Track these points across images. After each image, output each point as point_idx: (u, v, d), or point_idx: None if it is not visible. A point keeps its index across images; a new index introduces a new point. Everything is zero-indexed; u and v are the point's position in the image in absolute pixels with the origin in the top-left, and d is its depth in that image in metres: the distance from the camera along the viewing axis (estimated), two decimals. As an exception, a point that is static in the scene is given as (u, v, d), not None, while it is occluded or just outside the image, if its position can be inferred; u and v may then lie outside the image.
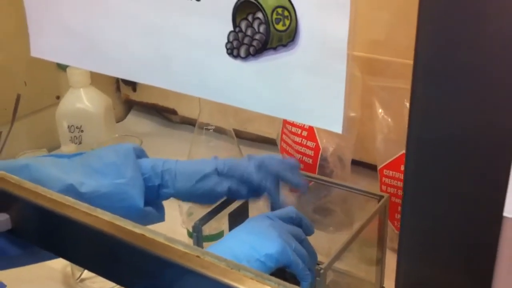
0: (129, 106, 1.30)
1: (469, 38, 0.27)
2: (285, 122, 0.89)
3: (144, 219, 0.64)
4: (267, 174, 0.66)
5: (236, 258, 0.52)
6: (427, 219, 0.29)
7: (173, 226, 0.89)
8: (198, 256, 0.42)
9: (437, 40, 0.28)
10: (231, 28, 0.44)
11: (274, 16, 0.41)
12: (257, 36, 0.42)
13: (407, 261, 0.31)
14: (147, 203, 0.65)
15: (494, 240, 0.27)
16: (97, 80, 1.04)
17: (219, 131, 0.91)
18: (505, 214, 0.26)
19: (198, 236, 0.64)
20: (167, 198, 0.68)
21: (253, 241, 0.54)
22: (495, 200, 0.26)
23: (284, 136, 0.90)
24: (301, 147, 0.85)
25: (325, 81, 0.40)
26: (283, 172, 0.67)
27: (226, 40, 0.44)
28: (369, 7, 0.85)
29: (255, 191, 0.67)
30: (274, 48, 0.42)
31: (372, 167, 0.89)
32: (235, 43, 0.43)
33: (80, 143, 1.01)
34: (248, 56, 0.43)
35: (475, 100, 0.27)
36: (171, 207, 0.73)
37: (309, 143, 0.85)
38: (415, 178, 0.29)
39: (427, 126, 0.29)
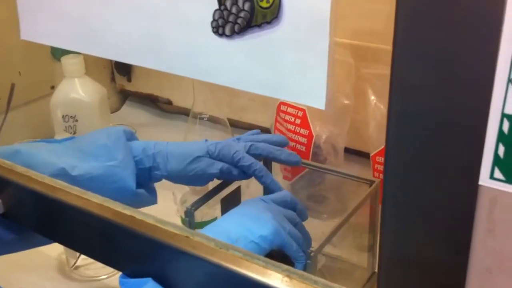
0: (124, 96, 1.30)
1: (442, 19, 0.28)
2: (278, 110, 0.89)
3: (137, 201, 0.65)
4: (257, 156, 0.67)
5: (230, 239, 0.52)
6: (406, 193, 0.30)
7: (168, 216, 0.89)
8: (187, 237, 0.43)
9: (413, 22, 0.29)
10: (217, 7, 0.44)
11: None
12: (241, 14, 0.42)
13: (389, 235, 0.32)
14: (139, 185, 0.65)
15: (470, 209, 0.27)
16: (92, 70, 1.04)
17: (213, 120, 0.91)
18: (480, 182, 0.26)
19: (190, 221, 0.65)
20: (159, 180, 0.68)
21: (247, 223, 0.55)
22: (471, 170, 0.27)
23: (277, 124, 0.90)
24: (294, 134, 0.86)
25: (308, 58, 0.41)
26: (273, 153, 0.68)
27: (211, 19, 0.45)
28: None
29: (246, 172, 0.67)
30: (259, 26, 0.42)
31: (365, 155, 0.89)
32: (220, 21, 0.44)
33: (74, 133, 1.01)
34: (233, 34, 0.44)
35: (449, 76, 0.28)
36: (166, 196, 0.74)
37: (302, 131, 0.85)
38: (394, 152, 0.30)
39: (405, 102, 0.30)
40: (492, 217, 0.27)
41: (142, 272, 0.45)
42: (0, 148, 0.63)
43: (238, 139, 0.69)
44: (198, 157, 0.66)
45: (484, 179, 0.26)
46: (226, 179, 0.69)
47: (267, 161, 0.74)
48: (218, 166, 0.66)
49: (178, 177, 0.67)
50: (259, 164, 0.67)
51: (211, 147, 0.66)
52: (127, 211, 0.46)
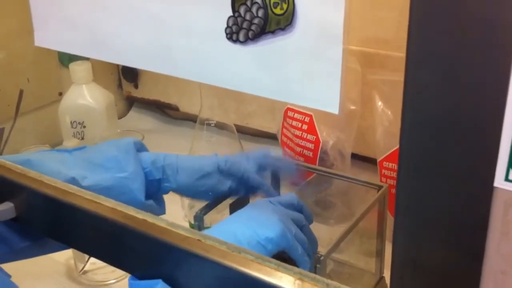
0: (131, 102, 1.31)
1: (455, 26, 0.28)
2: (285, 115, 0.90)
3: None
4: (267, 174, 0.68)
5: (237, 240, 0.53)
6: (420, 196, 0.30)
7: (176, 220, 0.90)
8: (199, 240, 0.43)
9: (426, 29, 0.30)
10: (231, 13, 0.45)
11: (272, 0, 0.42)
12: (255, 21, 0.43)
13: (402, 239, 0.32)
14: (148, 196, 0.66)
15: (485, 211, 0.27)
16: (99, 76, 1.05)
17: (220, 126, 0.92)
18: (495, 184, 0.26)
19: (199, 225, 0.65)
20: (167, 192, 0.69)
21: (254, 224, 0.55)
22: (486, 172, 0.27)
23: (284, 129, 0.91)
24: (301, 140, 0.86)
25: (322, 64, 0.41)
26: (280, 174, 0.69)
27: (225, 25, 0.45)
28: (374, 7, 0.86)
29: (254, 189, 0.68)
30: (273, 32, 0.43)
31: (372, 161, 0.90)
32: (234, 27, 0.44)
33: (82, 138, 1.02)
34: (247, 40, 0.44)
35: (464, 80, 0.28)
36: (173, 201, 0.74)
37: (309, 137, 0.85)
38: (407, 157, 0.30)
39: (418, 107, 0.30)
40: (507, 219, 0.27)
41: (152, 274, 0.45)
42: (11, 157, 0.63)
43: (248, 157, 0.69)
44: (208, 173, 0.66)
45: (499, 181, 0.27)
46: (234, 195, 0.69)
47: (276, 175, 0.75)
48: (227, 184, 0.67)
49: (186, 191, 0.68)
50: (267, 186, 0.67)
51: (221, 163, 0.67)
52: (140, 215, 0.46)
